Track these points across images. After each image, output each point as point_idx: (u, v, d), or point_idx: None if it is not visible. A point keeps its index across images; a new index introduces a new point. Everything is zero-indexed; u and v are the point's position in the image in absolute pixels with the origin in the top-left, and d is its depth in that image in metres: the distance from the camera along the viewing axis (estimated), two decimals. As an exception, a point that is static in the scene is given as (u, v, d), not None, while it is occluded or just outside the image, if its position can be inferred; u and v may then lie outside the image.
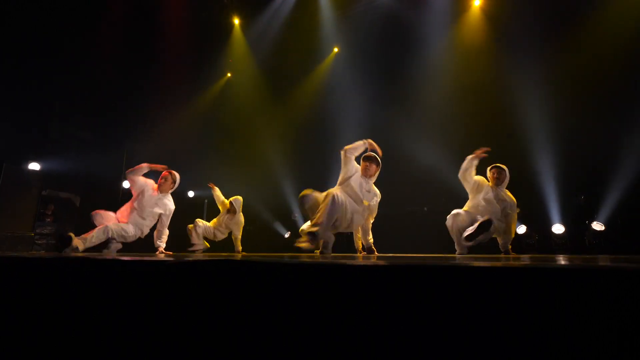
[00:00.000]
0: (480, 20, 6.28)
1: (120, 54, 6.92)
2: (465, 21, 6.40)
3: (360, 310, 0.93)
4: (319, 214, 2.90)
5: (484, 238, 3.42)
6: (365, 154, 3.39)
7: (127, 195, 4.23)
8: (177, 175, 4.07)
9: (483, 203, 3.45)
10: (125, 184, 7.44)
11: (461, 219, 3.39)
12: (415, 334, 0.86)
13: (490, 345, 0.80)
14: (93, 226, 3.77)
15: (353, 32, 7.14)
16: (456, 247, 3.50)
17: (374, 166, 3.34)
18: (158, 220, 4.04)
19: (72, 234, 3.58)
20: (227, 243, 5.46)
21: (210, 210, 7.72)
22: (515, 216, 3.52)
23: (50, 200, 6.77)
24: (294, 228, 7.17)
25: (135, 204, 3.94)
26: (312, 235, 2.80)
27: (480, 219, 3.24)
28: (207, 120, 8.16)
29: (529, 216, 4.96)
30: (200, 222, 5.15)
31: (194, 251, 5.04)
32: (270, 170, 7.42)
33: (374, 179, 3.38)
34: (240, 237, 5.25)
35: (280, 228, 7.46)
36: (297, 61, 7.73)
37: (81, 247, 3.56)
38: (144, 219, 3.91)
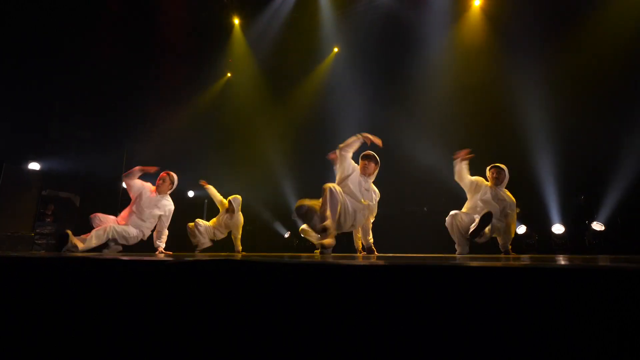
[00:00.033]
0: (480, 20, 6.28)
1: (120, 54, 6.92)
2: (465, 21, 6.40)
3: (360, 310, 0.93)
4: (323, 210, 2.90)
5: (485, 239, 3.42)
6: (364, 153, 3.39)
7: (126, 195, 4.21)
8: (175, 176, 4.07)
9: (481, 204, 3.46)
10: (125, 184, 7.44)
11: (459, 218, 3.39)
12: (415, 334, 0.86)
13: (490, 345, 0.80)
14: (92, 227, 3.76)
15: (353, 32, 7.14)
16: (456, 247, 3.50)
17: (372, 164, 3.33)
18: (158, 221, 4.04)
19: (69, 231, 3.56)
20: (227, 243, 5.46)
21: (210, 210, 7.72)
22: (515, 216, 3.52)
23: (50, 200, 6.77)
24: (294, 228, 7.17)
25: (134, 207, 3.95)
26: (324, 229, 2.85)
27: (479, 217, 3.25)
28: (207, 120, 8.16)
29: (529, 216, 4.97)
30: (201, 222, 5.16)
31: (201, 250, 5.07)
32: (270, 170, 7.42)
33: (373, 178, 3.37)
34: (240, 236, 5.25)
35: (280, 228, 7.46)
36: (297, 61, 7.73)
37: (80, 246, 3.54)
38: (143, 221, 3.91)
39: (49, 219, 6.61)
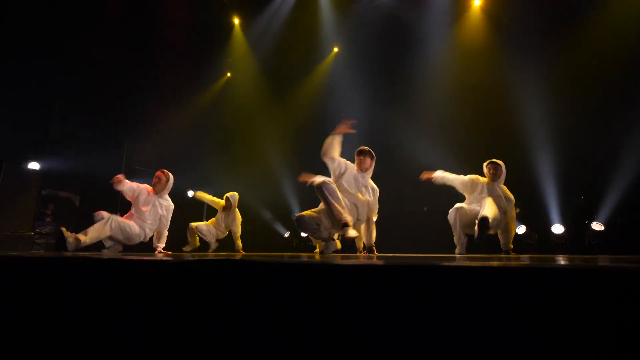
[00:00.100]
0: (480, 20, 6.28)
1: (120, 54, 6.92)
2: (465, 21, 6.40)
3: (360, 310, 0.93)
4: (331, 210, 2.88)
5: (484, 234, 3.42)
6: (358, 149, 3.37)
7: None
8: (170, 175, 4.05)
9: (479, 200, 3.45)
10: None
11: (463, 212, 3.37)
12: (415, 334, 0.86)
13: (490, 345, 0.80)
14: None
15: (353, 32, 7.14)
16: (455, 242, 3.47)
17: (368, 159, 3.30)
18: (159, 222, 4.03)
19: (63, 229, 3.52)
20: (228, 243, 5.47)
21: (210, 210, 7.72)
22: (514, 213, 3.50)
23: (50, 199, 6.77)
24: (294, 228, 7.17)
25: (133, 210, 3.95)
26: (345, 224, 2.87)
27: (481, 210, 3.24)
28: (207, 120, 8.16)
29: (529, 216, 4.97)
30: (201, 225, 5.20)
31: (190, 250, 5.08)
32: (270, 170, 7.42)
33: (370, 173, 3.34)
34: (239, 234, 5.25)
35: (280, 228, 7.46)
36: (297, 61, 7.74)
37: (83, 238, 3.51)
38: (144, 221, 3.91)
39: (48, 219, 6.61)
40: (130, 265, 1.41)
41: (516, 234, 4.76)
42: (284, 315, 1.02)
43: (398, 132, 6.10)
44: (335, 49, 7.64)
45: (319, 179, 3.01)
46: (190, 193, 8.29)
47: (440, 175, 3.69)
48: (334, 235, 3.25)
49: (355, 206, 3.13)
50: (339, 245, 3.47)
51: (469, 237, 3.48)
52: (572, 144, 4.99)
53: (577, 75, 4.97)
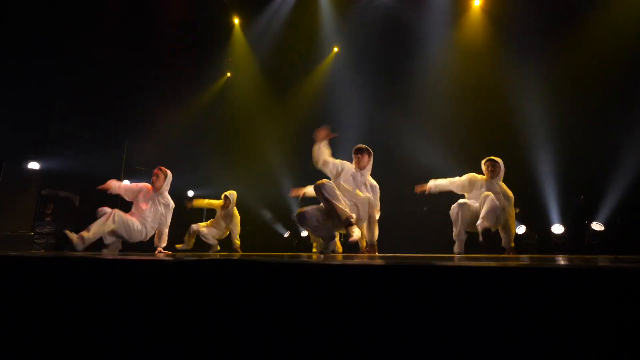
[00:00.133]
0: (480, 20, 6.29)
1: (120, 53, 6.92)
2: (465, 21, 6.40)
3: (360, 310, 0.93)
4: (334, 209, 2.88)
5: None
6: (356, 147, 3.36)
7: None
8: (168, 171, 4.06)
9: (477, 197, 3.44)
10: (125, 183, 7.44)
11: (466, 208, 3.35)
12: (415, 334, 0.86)
13: (490, 345, 0.80)
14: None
15: (353, 32, 7.14)
16: (454, 238, 3.43)
17: (365, 157, 3.30)
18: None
19: (67, 231, 3.53)
20: (229, 243, 5.47)
21: (210, 210, 7.73)
22: (513, 210, 3.49)
23: (49, 199, 6.77)
24: (293, 228, 7.17)
25: (134, 209, 3.96)
26: (349, 223, 2.88)
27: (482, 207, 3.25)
28: (207, 120, 8.16)
29: (528, 216, 4.97)
30: (202, 227, 5.21)
31: (183, 249, 5.09)
32: (270, 170, 7.42)
33: (369, 170, 3.33)
34: (238, 232, 5.26)
35: (280, 228, 7.46)
36: (297, 61, 7.73)
37: (86, 235, 3.52)
38: (145, 218, 3.91)
39: (48, 219, 6.61)
40: (130, 265, 1.41)
41: (516, 233, 4.77)
42: (284, 315, 1.02)
43: (398, 132, 6.09)
44: (335, 49, 7.64)
45: (309, 188, 3.02)
46: (190, 193, 8.30)
47: (433, 184, 3.68)
48: (334, 234, 3.25)
49: (355, 205, 3.13)
50: (339, 245, 3.47)
51: (469, 235, 3.47)
52: (572, 144, 4.99)
53: (577, 75, 4.96)
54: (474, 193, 3.52)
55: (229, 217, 5.25)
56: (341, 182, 3.19)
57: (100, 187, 3.90)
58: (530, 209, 4.92)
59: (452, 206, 3.43)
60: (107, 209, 3.74)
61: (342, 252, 3.81)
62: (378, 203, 3.35)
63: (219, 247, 5.32)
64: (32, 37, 6.11)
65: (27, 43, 6.07)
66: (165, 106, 7.86)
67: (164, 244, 4.07)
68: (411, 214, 5.97)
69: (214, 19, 7.57)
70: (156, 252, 4.04)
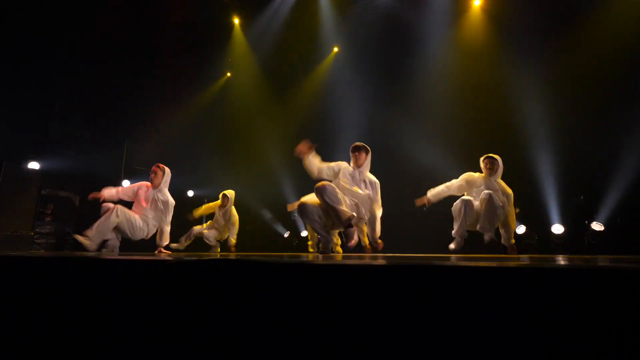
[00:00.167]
0: (480, 20, 6.28)
1: (120, 53, 6.92)
2: (465, 21, 6.40)
3: (360, 310, 0.93)
4: (336, 210, 2.89)
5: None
6: (353, 145, 3.35)
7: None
8: (166, 168, 4.06)
9: (476, 195, 3.44)
10: (125, 184, 7.45)
11: (470, 205, 3.32)
12: (415, 334, 0.86)
13: (490, 345, 0.80)
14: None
15: (353, 32, 7.14)
16: (454, 234, 3.40)
17: (362, 154, 3.29)
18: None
19: (77, 236, 3.57)
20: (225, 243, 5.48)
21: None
22: (513, 209, 3.48)
23: (49, 199, 6.77)
24: (293, 228, 7.17)
25: (134, 207, 3.96)
26: (349, 225, 2.91)
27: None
28: (207, 120, 8.16)
29: (528, 216, 4.97)
30: (204, 230, 5.22)
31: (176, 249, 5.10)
32: (270, 170, 7.42)
33: (367, 167, 3.32)
34: (236, 231, 5.26)
35: (280, 228, 7.46)
36: (297, 61, 7.73)
37: (91, 233, 3.55)
38: (146, 215, 3.91)
39: (48, 218, 6.61)
40: (130, 265, 1.41)
41: (516, 233, 4.77)
42: (284, 315, 1.02)
43: (398, 132, 6.09)
44: (335, 49, 7.64)
45: (306, 198, 3.03)
46: (190, 193, 8.31)
47: (431, 195, 3.66)
48: (331, 236, 3.25)
49: (356, 205, 3.13)
50: (338, 242, 3.46)
51: (468, 233, 3.46)
52: (572, 144, 4.99)
53: (577, 75, 4.96)
54: (473, 191, 3.52)
55: (227, 215, 5.27)
56: (340, 181, 3.20)
57: (93, 195, 3.83)
58: (530, 209, 4.92)
59: (456, 202, 3.40)
60: (111, 205, 3.75)
61: (343, 252, 3.81)
62: (379, 199, 3.31)
63: (219, 249, 5.32)
64: (32, 37, 6.11)
65: (27, 43, 6.07)
66: (165, 106, 7.86)
67: (165, 243, 4.04)
68: (411, 214, 5.96)
69: (214, 19, 7.57)
70: (157, 251, 4.03)
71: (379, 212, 3.32)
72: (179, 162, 6.56)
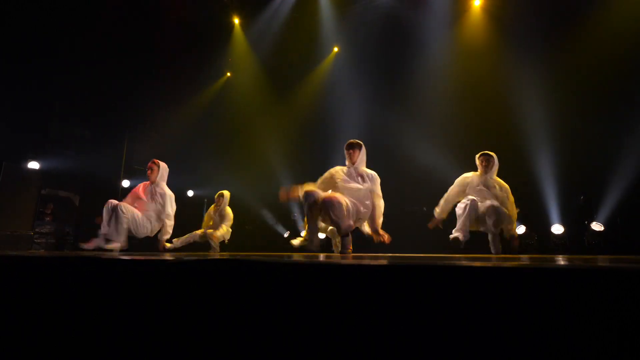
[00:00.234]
0: (480, 20, 6.29)
1: (120, 53, 6.92)
2: (466, 21, 6.40)
3: (360, 310, 0.93)
4: (337, 225, 2.93)
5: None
6: (346, 143, 3.34)
7: (126, 194, 4.21)
8: (162, 163, 4.07)
9: (474, 194, 3.44)
10: (125, 183, 7.45)
11: (474, 205, 3.30)
12: (415, 334, 0.86)
13: (490, 345, 0.80)
14: (94, 224, 3.77)
15: (353, 32, 7.14)
16: (455, 231, 3.36)
17: (356, 151, 3.27)
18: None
19: (109, 246, 3.61)
20: (228, 244, 5.48)
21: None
22: (512, 199, 3.47)
23: (49, 199, 6.77)
24: (293, 228, 7.17)
25: (135, 205, 3.97)
26: (347, 234, 2.97)
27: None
28: (207, 120, 8.16)
29: (528, 216, 4.97)
30: (207, 233, 5.22)
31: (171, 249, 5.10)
32: (270, 170, 7.42)
33: (362, 163, 3.30)
34: (225, 228, 5.24)
35: (280, 228, 7.46)
36: (297, 61, 7.74)
37: (105, 231, 3.61)
38: (148, 211, 3.91)
39: (48, 218, 6.61)
40: (130, 265, 1.41)
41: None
42: (284, 315, 1.02)
43: (398, 132, 6.10)
44: (335, 49, 7.64)
45: (311, 185, 3.02)
46: (190, 193, 8.31)
47: (438, 213, 3.63)
48: (333, 235, 3.26)
49: (355, 205, 3.12)
50: (338, 245, 3.46)
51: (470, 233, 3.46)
52: (572, 144, 4.99)
53: (577, 75, 4.97)
54: (472, 190, 3.52)
55: (221, 215, 5.30)
56: (338, 183, 3.19)
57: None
58: (530, 209, 4.91)
59: (463, 200, 3.37)
60: (114, 201, 3.76)
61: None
62: (379, 191, 3.25)
63: (218, 249, 5.33)
64: (32, 37, 6.10)
65: (27, 43, 6.07)
66: (165, 106, 7.86)
67: (166, 237, 4.00)
68: (411, 214, 5.97)
69: (214, 19, 7.57)
70: (160, 247, 4.01)
71: (380, 202, 3.24)
72: (179, 162, 6.56)
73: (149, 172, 4.03)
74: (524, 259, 1.87)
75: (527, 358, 0.77)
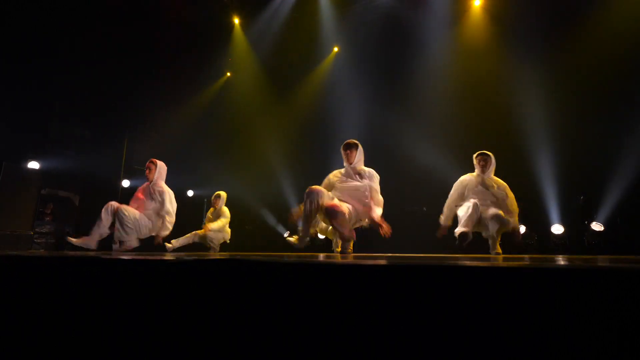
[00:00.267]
0: (480, 20, 6.29)
1: (120, 53, 6.92)
2: (466, 21, 6.40)
3: (360, 310, 0.93)
4: (342, 227, 2.95)
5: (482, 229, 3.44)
6: (343, 144, 3.34)
7: (126, 194, 4.22)
8: (159, 162, 4.08)
9: (473, 195, 3.45)
10: (125, 183, 7.45)
11: (477, 209, 3.30)
12: (415, 334, 0.86)
13: (490, 345, 0.80)
14: (94, 224, 3.78)
15: (353, 32, 7.14)
16: (465, 227, 3.30)
17: (354, 151, 3.27)
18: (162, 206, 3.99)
19: (115, 250, 3.66)
20: (229, 244, 5.49)
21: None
22: (512, 195, 3.47)
23: (49, 199, 6.77)
24: (293, 228, 7.18)
25: (135, 205, 3.98)
26: (348, 240, 3.02)
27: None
28: (207, 120, 8.17)
29: (528, 216, 4.97)
30: (207, 234, 5.22)
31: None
32: (270, 170, 7.42)
33: (359, 162, 3.29)
34: (221, 224, 5.24)
35: (280, 228, 7.46)
36: (297, 61, 7.74)
37: (125, 239, 3.66)
38: (148, 210, 3.91)
39: (48, 218, 6.61)
40: (130, 265, 1.41)
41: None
42: (284, 315, 1.02)
43: (398, 132, 6.10)
44: (335, 49, 7.64)
45: (310, 187, 3.01)
46: (190, 193, 8.31)
47: (444, 220, 3.62)
48: (334, 236, 3.27)
49: (355, 208, 3.12)
50: (339, 247, 3.45)
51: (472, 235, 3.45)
52: (572, 144, 4.99)
53: (577, 75, 4.97)
54: (471, 192, 3.52)
55: (218, 216, 5.31)
56: (337, 188, 3.20)
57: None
58: (530, 209, 4.92)
59: (467, 203, 3.35)
60: (114, 203, 3.78)
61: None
62: (377, 187, 3.23)
63: (218, 249, 5.33)
64: (32, 37, 6.10)
65: (27, 43, 6.07)
66: (165, 106, 7.85)
67: (164, 232, 3.94)
68: (411, 214, 5.97)
69: (214, 19, 7.57)
70: (156, 241, 3.97)
71: (378, 197, 3.22)
72: (179, 162, 6.56)
73: (147, 171, 4.05)
74: (524, 259, 1.87)
75: (527, 358, 0.77)
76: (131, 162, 7.63)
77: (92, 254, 2.67)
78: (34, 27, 6.08)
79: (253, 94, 8.04)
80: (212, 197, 5.43)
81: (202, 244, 5.30)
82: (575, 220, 5.01)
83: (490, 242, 3.50)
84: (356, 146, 3.31)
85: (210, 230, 5.12)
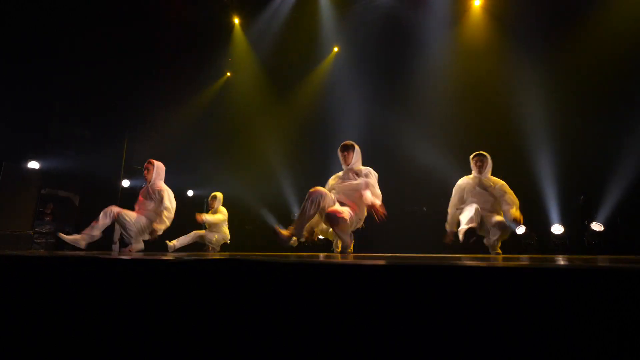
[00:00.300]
0: (480, 20, 6.29)
1: (120, 53, 6.92)
2: (466, 21, 6.40)
3: (360, 310, 0.93)
4: (338, 236, 3.06)
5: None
6: (340, 145, 3.34)
7: (126, 194, 4.23)
8: (157, 162, 4.11)
9: (472, 197, 3.46)
10: (125, 183, 7.45)
11: (478, 213, 3.31)
12: (415, 334, 0.86)
13: (490, 345, 0.80)
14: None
15: (353, 32, 7.14)
16: (470, 223, 3.28)
17: (351, 153, 3.26)
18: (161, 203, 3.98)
19: (122, 250, 3.70)
20: (228, 245, 5.49)
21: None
22: (510, 191, 3.46)
23: (49, 199, 6.77)
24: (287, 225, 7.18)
25: (136, 207, 4.02)
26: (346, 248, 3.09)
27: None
28: (207, 120, 8.17)
29: (528, 216, 4.96)
30: (208, 236, 5.23)
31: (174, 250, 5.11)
32: (270, 170, 7.42)
33: (357, 162, 3.28)
34: (218, 218, 5.26)
35: (280, 228, 7.46)
36: (297, 61, 7.74)
37: (132, 241, 3.71)
38: (147, 210, 3.93)
39: (48, 218, 6.61)
40: (130, 265, 1.41)
41: (516, 233, 4.77)
42: (284, 315, 1.02)
43: (398, 132, 6.10)
44: (335, 49, 7.64)
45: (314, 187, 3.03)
46: (190, 192, 8.31)
47: (449, 225, 3.63)
48: (334, 237, 3.28)
49: (356, 212, 3.12)
50: (339, 247, 3.46)
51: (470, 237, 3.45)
52: (572, 144, 4.99)
53: (577, 75, 4.97)
54: (469, 194, 3.52)
55: (213, 214, 5.33)
56: (335, 189, 3.21)
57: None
58: (530, 209, 4.91)
59: (464, 211, 3.37)
60: (114, 208, 3.79)
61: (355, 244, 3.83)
62: (374, 182, 3.20)
63: (218, 249, 5.34)
64: (32, 37, 6.10)
65: (27, 43, 6.07)
66: (165, 106, 7.85)
67: (160, 226, 3.87)
68: (411, 214, 5.97)
69: (214, 19, 7.57)
70: (152, 235, 3.91)
71: (377, 191, 3.16)
72: (179, 162, 6.56)
73: (145, 172, 4.08)
74: (524, 259, 1.87)
75: (527, 358, 0.77)
76: (131, 162, 7.63)
77: (92, 254, 2.66)
78: (34, 27, 6.08)
79: (253, 94, 8.04)
80: (209, 198, 5.45)
81: (202, 244, 5.31)
82: (575, 220, 5.01)
83: (490, 248, 3.51)
84: (353, 147, 3.31)
85: (203, 220, 5.13)
